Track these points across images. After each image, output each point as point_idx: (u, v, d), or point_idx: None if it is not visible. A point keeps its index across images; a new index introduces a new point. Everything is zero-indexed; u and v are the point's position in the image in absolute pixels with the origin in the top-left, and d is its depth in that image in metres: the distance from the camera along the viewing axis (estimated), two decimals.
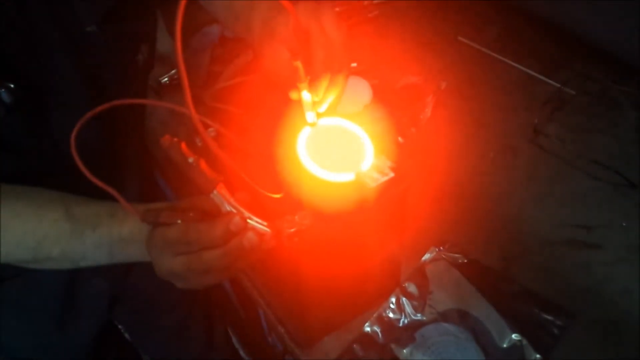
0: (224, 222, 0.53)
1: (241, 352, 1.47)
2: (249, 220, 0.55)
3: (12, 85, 0.64)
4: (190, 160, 0.53)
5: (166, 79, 1.14)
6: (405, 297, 0.81)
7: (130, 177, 0.93)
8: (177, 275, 0.56)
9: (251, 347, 1.43)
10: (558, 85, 1.07)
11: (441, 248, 0.87)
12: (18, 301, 0.89)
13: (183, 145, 0.54)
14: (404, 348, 0.77)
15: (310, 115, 0.67)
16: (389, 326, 0.79)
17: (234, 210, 0.54)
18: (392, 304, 0.81)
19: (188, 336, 1.23)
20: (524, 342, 0.75)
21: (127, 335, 1.22)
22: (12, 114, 0.65)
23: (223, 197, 0.54)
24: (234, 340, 1.43)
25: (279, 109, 0.70)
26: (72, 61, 0.69)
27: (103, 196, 0.56)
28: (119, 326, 1.19)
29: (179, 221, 0.54)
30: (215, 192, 0.54)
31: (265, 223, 0.56)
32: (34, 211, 0.62)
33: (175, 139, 0.54)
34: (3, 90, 0.63)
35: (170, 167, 0.97)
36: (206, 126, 0.61)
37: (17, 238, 0.61)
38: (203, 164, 0.53)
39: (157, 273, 0.58)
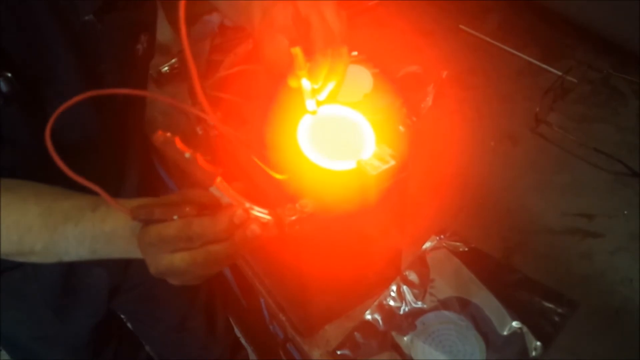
0: (227, 215, 0.52)
1: (243, 341, 1.47)
2: (250, 211, 0.54)
3: (9, 75, 0.63)
4: (187, 155, 0.51)
5: (166, 68, 1.13)
6: (406, 285, 0.82)
7: (130, 167, 0.92)
8: (177, 271, 0.54)
9: (253, 336, 1.43)
10: (560, 73, 1.07)
11: (442, 236, 0.87)
12: (17, 292, 0.90)
13: (177, 141, 0.51)
14: (404, 336, 0.77)
15: (310, 103, 0.66)
16: (389, 314, 0.79)
17: (234, 202, 0.53)
18: (393, 292, 0.81)
19: (190, 325, 1.24)
20: (525, 329, 0.75)
21: (129, 325, 1.23)
22: (9, 104, 0.64)
23: (223, 190, 0.53)
24: (236, 329, 1.44)
25: (279, 98, 0.69)
26: (71, 51, 0.68)
27: (103, 188, 0.55)
28: (122, 316, 1.20)
29: (175, 217, 0.53)
30: (214, 185, 0.53)
31: (266, 211, 0.55)
32: (18, 204, 0.61)
33: (169, 134, 0.51)
34: (1, 79, 0.62)
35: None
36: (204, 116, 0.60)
37: (0, 231, 0.60)
38: (200, 159, 0.51)
39: (153, 271, 0.56)
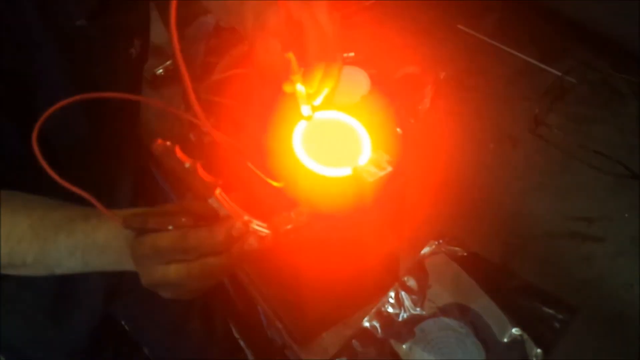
0: (226, 228, 0.51)
1: (242, 344, 1.46)
2: (249, 224, 0.53)
3: None
4: (187, 165, 0.50)
5: (161, 71, 1.12)
6: (405, 291, 0.80)
7: (124, 174, 0.91)
8: (171, 283, 0.53)
9: (252, 340, 1.42)
10: (559, 74, 1.06)
11: (440, 241, 0.86)
12: (13, 298, 0.89)
13: (178, 150, 0.50)
14: (403, 343, 0.76)
15: (305, 109, 0.65)
16: (388, 321, 0.78)
17: (233, 214, 0.52)
18: (391, 298, 0.80)
19: (188, 328, 1.23)
20: (525, 336, 0.74)
21: (127, 328, 1.22)
22: None
23: (222, 202, 0.52)
24: (235, 332, 1.43)
25: (274, 103, 0.68)
26: (62, 56, 0.67)
27: (96, 196, 0.54)
28: (119, 319, 1.19)
29: (170, 227, 0.51)
30: (213, 197, 0.51)
31: (264, 225, 0.54)
32: (9, 216, 0.60)
33: (169, 143, 0.50)
34: None
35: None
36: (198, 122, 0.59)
37: None
38: (200, 169, 0.51)
39: (145, 282, 0.54)
